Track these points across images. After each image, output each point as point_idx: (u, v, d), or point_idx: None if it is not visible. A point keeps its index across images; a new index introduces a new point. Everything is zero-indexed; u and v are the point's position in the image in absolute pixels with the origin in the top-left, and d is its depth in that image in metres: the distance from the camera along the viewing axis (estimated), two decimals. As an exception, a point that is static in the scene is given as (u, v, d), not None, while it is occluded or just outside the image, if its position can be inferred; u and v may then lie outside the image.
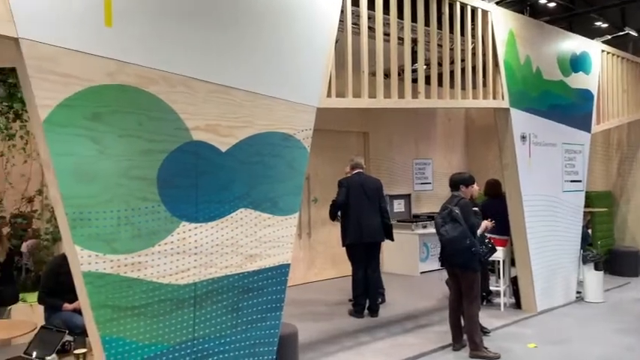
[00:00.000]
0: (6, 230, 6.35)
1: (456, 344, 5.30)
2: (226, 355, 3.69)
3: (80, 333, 4.00)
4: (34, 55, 2.87)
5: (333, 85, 4.48)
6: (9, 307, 5.59)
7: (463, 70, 6.04)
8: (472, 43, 6.17)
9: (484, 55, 6.25)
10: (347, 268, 7.27)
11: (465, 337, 5.30)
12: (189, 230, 3.49)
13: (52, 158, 2.94)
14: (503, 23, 6.43)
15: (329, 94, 4.44)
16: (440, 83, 5.72)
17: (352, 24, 4.78)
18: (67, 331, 3.94)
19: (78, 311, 4.24)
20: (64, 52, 2.98)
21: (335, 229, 7.12)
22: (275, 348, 3.99)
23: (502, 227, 6.47)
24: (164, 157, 3.37)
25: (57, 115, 2.94)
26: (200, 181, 3.55)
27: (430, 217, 9.52)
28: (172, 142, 3.42)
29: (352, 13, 4.77)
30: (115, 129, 3.17)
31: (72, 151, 2.99)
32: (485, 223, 5.26)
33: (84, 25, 3.06)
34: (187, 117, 3.49)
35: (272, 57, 3.97)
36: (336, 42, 4.48)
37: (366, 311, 6.64)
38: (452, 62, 5.93)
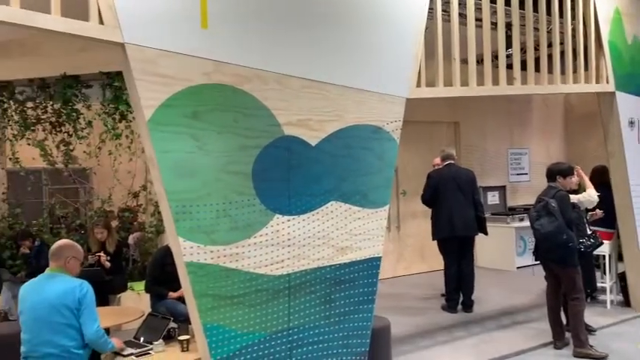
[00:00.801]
0: (115, 223, 6.86)
1: (558, 342, 5.03)
2: (320, 345, 3.75)
3: (183, 320, 4.23)
4: (138, 58, 3.05)
5: (423, 74, 4.39)
6: (119, 295, 6.05)
7: (562, 53, 5.69)
8: (572, 24, 5.79)
9: (585, 36, 5.85)
10: (437, 263, 7.13)
11: (567, 335, 5.02)
12: (283, 223, 3.57)
13: (156, 155, 3.12)
14: (607, 1, 5.98)
15: (419, 84, 4.36)
16: (537, 68, 5.42)
17: (442, 11, 4.65)
18: (172, 318, 4.18)
19: (181, 299, 4.50)
20: (165, 55, 3.14)
21: (425, 222, 7.00)
22: (368, 340, 4.00)
23: (608, 219, 6.04)
24: (258, 153, 3.47)
25: (160, 114, 3.11)
26: (292, 175, 3.62)
27: (527, 209, 9.08)
28: (265, 138, 3.51)
29: (442, 0, 4.64)
30: (213, 126, 3.31)
31: (174, 149, 3.16)
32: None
33: (182, 29, 3.21)
34: (279, 113, 3.57)
35: (362, 49, 3.96)
36: (425, 30, 4.38)
37: (459, 306, 6.48)
38: (549, 45, 5.61)
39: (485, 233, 6.58)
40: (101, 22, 2.97)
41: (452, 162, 6.56)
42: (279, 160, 3.56)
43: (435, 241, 6.65)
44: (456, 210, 6.28)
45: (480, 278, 6.97)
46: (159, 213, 6.70)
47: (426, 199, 6.49)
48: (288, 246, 3.59)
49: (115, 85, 6.48)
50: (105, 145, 6.77)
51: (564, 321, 5.13)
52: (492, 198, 10.02)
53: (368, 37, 4.00)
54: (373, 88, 4.01)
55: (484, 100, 8.76)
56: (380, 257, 4.08)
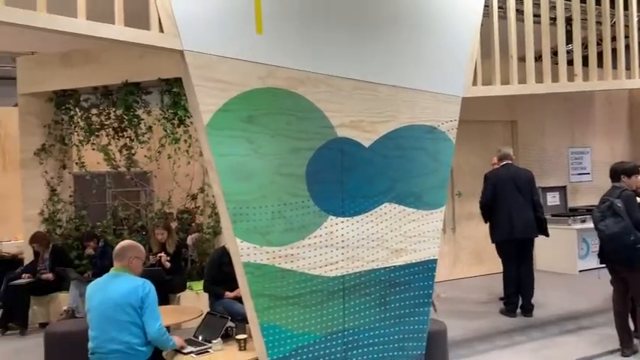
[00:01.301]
0: (174, 225, 7.09)
1: (626, 349, 4.80)
2: (375, 347, 3.74)
3: (240, 320, 4.32)
4: (197, 65, 3.15)
5: (479, 72, 4.30)
6: (178, 295, 6.24)
7: (627, 47, 5.43)
8: (637, 16, 5.51)
9: (653, 28, 5.55)
10: (495, 265, 6.95)
11: (635, 342, 4.78)
12: (336, 224, 3.59)
13: (214, 159, 3.20)
14: (676, -10, 5.65)
15: (474, 83, 4.27)
16: (600, 64, 5.20)
17: (498, 7, 4.54)
18: (230, 318, 4.27)
19: (238, 299, 4.59)
20: (222, 61, 3.22)
21: (481, 224, 6.84)
22: (424, 343, 3.95)
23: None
24: (311, 155, 3.50)
25: (217, 119, 3.19)
26: (345, 176, 3.62)
27: (590, 210, 8.72)
28: (318, 140, 3.53)
29: (497, -4, 4.53)
30: (267, 129, 3.37)
31: (230, 152, 3.24)
32: None
33: (238, 35, 3.28)
34: (332, 115, 3.58)
35: (415, 49, 3.92)
36: (481, 27, 4.29)
37: (518, 310, 6.29)
38: (613, 39, 5.36)
39: (546, 235, 6.36)
40: (161, 30, 3.08)
41: (509, 162, 6.38)
42: (332, 162, 3.57)
43: (493, 244, 6.48)
44: (514, 211, 6.10)
45: (539, 281, 6.74)
46: (216, 214, 6.87)
47: (485, 203, 6.29)
48: (342, 247, 3.60)
49: (173, 91, 6.70)
50: (164, 149, 7.00)
51: (632, 327, 4.88)
52: (552, 199, 9.67)
53: (421, 37, 3.96)
54: (427, 88, 3.96)
55: (543, 97, 8.47)
56: (436, 260, 4.02)
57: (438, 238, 4.03)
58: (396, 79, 3.83)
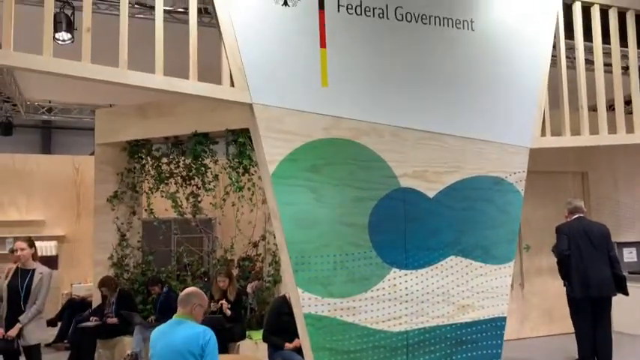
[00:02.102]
0: (235, 272, 7.16)
1: None
2: (440, 409, 3.55)
3: (299, 372, 4.24)
4: (264, 117, 3.25)
5: (547, 123, 4.18)
6: (238, 343, 6.21)
7: None
8: None
9: None
10: (567, 325, 6.51)
11: None
12: (400, 277, 3.50)
13: (278, 207, 3.25)
14: None
15: (543, 134, 4.15)
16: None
17: (566, 57, 4.45)
18: (288, 369, 4.20)
19: (297, 350, 4.52)
20: (288, 113, 3.32)
21: (552, 280, 6.49)
22: (492, 407, 3.71)
23: None
24: (374, 205, 3.48)
25: (282, 168, 3.26)
26: (408, 227, 3.56)
27: (672, 268, 8.10)
28: (381, 190, 3.52)
29: (565, 46, 4.45)
30: (330, 179, 3.39)
31: (294, 201, 3.28)
32: None
33: (304, 88, 3.39)
34: (395, 165, 3.57)
35: (481, 99, 3.88)
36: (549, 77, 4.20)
37: (595, 375, 5.83)
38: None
39: (625, 293, 5.93)
40: (232, 84, 3.22)
41: (581, 215, 6.08)
42: (395, 212, 3.53)
43: (567, 301, 6.10)
44: (590, 268, 5.74)
45: (617, 344, 6.24)
46: (276, 262, 6.90)
47: (564, 256, 5.90)
48: (406, 302, 3.50)
49: (239, 141, 6.91)
50: (229, 196, 7.17)
51: None
52: (629, 255, 9.06)
53: (487, 87, 3.92)
54: (493, 138, 3.89)
55: (615, 148, 8.10)
56: (505, 317, 3.82)
57: (506, 294, 3.85)
58: (461, 129, 3.79)
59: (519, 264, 8.30)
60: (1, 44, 2.83)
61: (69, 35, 4.77)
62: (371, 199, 3.47)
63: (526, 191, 4.05)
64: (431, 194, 3.65)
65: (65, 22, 4.68)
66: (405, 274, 3.52)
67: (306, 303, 3.21)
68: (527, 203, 7.35)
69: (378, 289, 3.42)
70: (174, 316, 3.70)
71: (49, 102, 8.84)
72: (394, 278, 3.48)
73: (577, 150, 7.93)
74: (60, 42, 4.76)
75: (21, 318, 4.66)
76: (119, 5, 3.13)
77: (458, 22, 3.87)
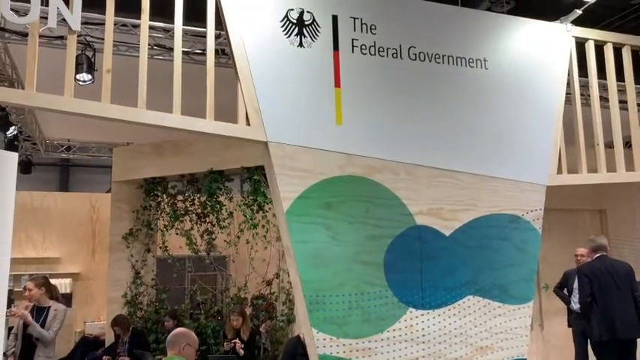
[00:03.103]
0: (248, 311, 7.08)
1: None
2: None
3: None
4: (279, 154, 3.28)
5: (564, 160, 4.15)
6: (250, 384, 6.09)
7: None
8: None
9: None
10: (592, 368, 6.31)
11: None
12: (416, 317, 3.44)
13: (293, 245, 3.23)
14: None
15: (559, 171, 4.12)
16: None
17: (580, 94, 4.45)
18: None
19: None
20: (303, 150, 3.34)
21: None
22: None
23: None
24: (389, 242, 3.46)
25: (297, 206, 3.26)
26: (425, 265, 3.52)
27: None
28: (397, 228, 3.49)
29: (579, 83, 4.45)
30: (345, 216, 3.38)
31: (309, 238, 3.26)
32: None
33: (318, 126, 3.42)
34: (410, 202, 3.55)
35: (496, 137, 3.88)
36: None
37: (621, 422, 5.58)
38: None
39: (652, 335, 5.73)
40: (248, 123, 3.26)
41: (604, 253, 5.94)
42: (411, 251, 3.50)
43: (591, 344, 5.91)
44: (615, 309, 5.56)
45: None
46: (290, 301, 6.81)
47: (587, 300, 5.73)
48: (423, 342, 3.42)
49: (254, 179, 6.95)
50: (243, 234, 7.16)
51: None
52: (653, 295, 8.82)
53: (503, 125, 3.92)
54: (509, 176, 3.87)
55: (633, 185, 8.00)
56: (525, 359, 3.71)
57: (526, 335, 3.75)
58: (476, 167, 3.78)
59: (538, 304, 8.11)
60: (25, 85, 2.91)
61: (89, 76, 4.90)
62: (386, 236, 3.45)
63: (543, 229, 4.00)
64: (447, 232, 3.62)
65: (86, 63, 4.81)
66: (422, 314, 3.45)
67: (320, 344, 3.16)
68: (545, 241, 7.24)
69: (394, 330, 3.35)
70: (164, 359, 3.60)
71: (68, 140, 9.01)
72: (410, 318, 3.41)
73: (595, 187, 7.84)
74: (80, 83, 4.89)
75: (30, 328, 4.62)
76: (139, 47, 3.22)
77: (471, 60, 3.91)
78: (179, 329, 3.78)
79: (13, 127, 7.18)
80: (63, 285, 9.42)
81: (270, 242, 7.04)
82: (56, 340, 4.90)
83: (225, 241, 7.33)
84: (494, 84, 3.96)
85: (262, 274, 7.32)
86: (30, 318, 4.65)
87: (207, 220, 7.34)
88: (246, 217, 7.03)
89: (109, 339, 7.11)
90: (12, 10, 2.93)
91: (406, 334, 3.38)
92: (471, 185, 3.74)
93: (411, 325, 3.40)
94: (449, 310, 3.54)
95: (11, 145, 7.36)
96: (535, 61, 4.13)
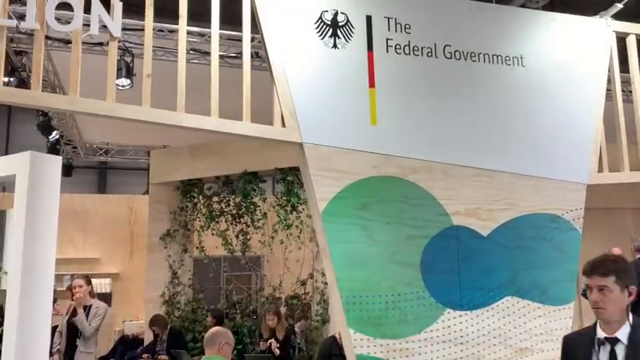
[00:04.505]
0: (283, 310, 7.13)
1: None
2: None
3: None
4: (314, 156, 3.30)
5: (605, 159, 4.05)
6: (286, 384, 6.13)
7: None
8: None
9: None
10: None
11: None
12: (454, 318, 3.41)
13: (329, 245, 3.25)
14: None
15: (600, 169, 4.02)
16: None
17: (621, 91, 4.32)
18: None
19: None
20: (338, 151, 3.36)
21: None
22: None
23: None
24: (426, 243, 3.43)
25: (332, 206, 3.27)
26: (462, 266, 3.48)
27: None
28: (433, 228, 3.47)
29: (621, 80, 4.33)
30: (381, 217, 3.38)
31: (345, 239, 3.27)
32: None
33: (353, 127, 3.43)
34: (447, 202, 3.52)
35: (534, 135, 3.82)
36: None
37: None
38: None
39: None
40: (283, 125, 3.29)
41: (646, 253, 5.78)
42: (448, 251, 3.47)
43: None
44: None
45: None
46: (325, 301, 6.83)
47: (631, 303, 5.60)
48: (461, 344, 3.39)
49: (287, 180, 7.00)
50: (277, 234, 7.22)
51: None
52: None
53: (541, 122, 3.85)
54: (548, 175, 3.79)
55: (678, 183, 7.74)
56: (566, 361, 3.63)
57: (567, 337, 3.66)
58: (514, 166, 3.72)
59: (578, 305, 7.91)
60: (68, 91, 3.00)
61: (128, 81, 5.02)
62: (423, 237, 3.43)
63: (584, 229, 3.90)
64: (485, 232, 3.57)
65: (125, 68, 4.93)
66: (460, 315, 3.42)
67: (358, 344, 3.16)
68: (585, 241, 7.07)
69: (432, 330, 3.33)
70: (203, 358, 3.64)
71: (107, 144, 9.24)
72: (448, 319, 3.38)
73: (636, 186, 7.60)
74: (120, 87, 5.01)
75: (76, 318, 4.78)
76: (175, 52, 3.29)
77: (507, 58, 3.86)
78: (217, 328, 3.84)
79: (55, 132, 7.40)
80: (102, 285, 9.67)
81: (303, 243, 7.08)
82: (97, 338, 5.05)
83: (259, 241, 7.41)
84: (531, 82, 3.89)
85: (296, 274, 7.36)
86: (81, 308, 4.83)
87: (242, 221, 7.43)
88: (280, 217, 7.09)
89: (148, 338, 7.27)
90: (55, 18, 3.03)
91: (444, 334, 3.35)
92: (508, 185, 3.68)
93: (449, 326, 3.37)
94: (487, 310, 3.50)
95: (53, 149, 7.59)
96: (574, 57, 4.04)
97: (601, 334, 2.13)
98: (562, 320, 3.64)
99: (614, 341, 2.09)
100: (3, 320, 4.37)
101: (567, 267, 3.74)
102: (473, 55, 3.77)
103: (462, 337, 3.39)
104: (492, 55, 3.82)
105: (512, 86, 3.84)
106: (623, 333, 2.09)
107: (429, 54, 3.66)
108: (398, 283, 3.33)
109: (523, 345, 3.53)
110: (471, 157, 3.63)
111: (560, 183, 3.82)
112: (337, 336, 4.74)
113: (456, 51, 3.72)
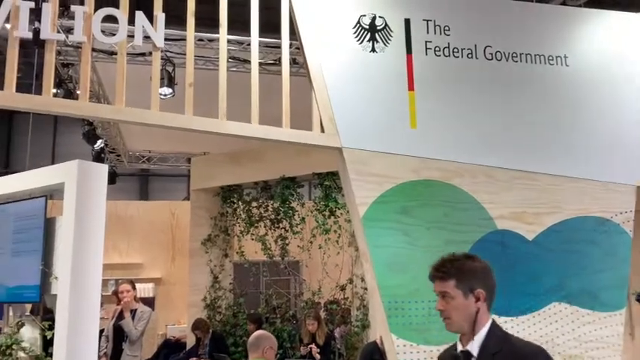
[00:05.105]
0: (322, 315, 7.12)
1: None
2: None
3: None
4: (353, 160, 3.29)
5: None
6: (328, 389, 6.11)
7: None
8: None
9: None
10: (692, 380, 5.85)
11: None
12: (500, 324, 3.32)
13: (370, 250, 3.23)
14: None
15: (651, 170, 3.87)
16: None
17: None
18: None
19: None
20: (377, 156, 3.34)
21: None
22: None
23: None
24: (469, 247, 3.37)
25: (373, 211, 3.26)
26: (507, 271, 3.40)
27: None
28: (477, 232, 3.41)
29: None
30: (422, 221, 3.34)
31: (386, 243, 3.25)
32: None
33: (392, 131, 3.41)
34: (491, 206, 3.46)
35: (580, 136, 3.71)
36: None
37: None
38: None
39: None
40: (322, 130, 3.30)
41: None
42: (492, 256, 3.32)
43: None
44: None
45: None
46: (365, 307, 6.80)
47: None
48: (507, 350, 3.30)
49: (325, 185, 7.00)
50: (315, 239, 7.23)
51: None
52: None
53: (586, 123, 3.74)
54: (596, 177, 3.68)
55: None
56: (618, 370, 3.51)
57: (619, 344, 3.55)
58: (559, 168, 3.63)
59: (628, 311, 7.63)
60: (115, 100, 3.09)
61: (170, 90, 5.12)
62: (466, 241, 3.37)
63: (634, 232, 3.76)
64: (530, 236, 3.49)
65: (167, 77, 5.04)
66: (506, 322, 3.34)
67: (400, 350, 3.13)
68: (635, 245, 6.81)
69: (476, 337, 3.26)
70: None
71: (149, 152, 9.46)
72: (493, 325, 3.30)
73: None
74: (162, 96, 5.12)
75: (124, 322, 4.90)
76: (214, 60, 3.34)
77: (550, 58, 3.77)
78: (261, 332, 3.86)
79: (99, 141, 7.63)
80: (146, 289, 9.88)
81: (342, 247, 7.06)
82: (142, 341, 5.16)
83: (298, 246, 7.43)
84: (576, 81, 3.78)
85: (335, 279, 7.35)
86: (129, 312, 4.95)
87: (281, 226, 7.47)
88: (318, 222, 7.10)
89: (190, 342, 7.38)
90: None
91: (489, 341, 3.27)
92: (554, 187, 3.59)
93: (494, 333, 3.29)
94: (534, 317, 3.41)
95: (98, 158, 7.81)
96: (619, 54, 3.92)
97: (459, 347, 1.89)
98: (613, 327, 3.52)
99: (467, 355, 1.83)
100: (54, 324, 4.53)
101: (618, 272, 3.62)
102: (514, 55, 3.70)
103: (507, 343, 3.30)
104: (535, 55, 3.74)
105: (556, 86, 3.75)
106: (474, 345, 1.83)
107: (469, 55, 3.61)
108: (441, 288, 3.27)
109: (572, 352, 3.43)
110: (514, 159, 3.56)
111: (608, 185, 3.69)
112: (378, 341, 4.70)
113: (497, 52, 3.66)
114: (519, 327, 3.35)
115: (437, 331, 3.20)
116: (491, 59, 3.64)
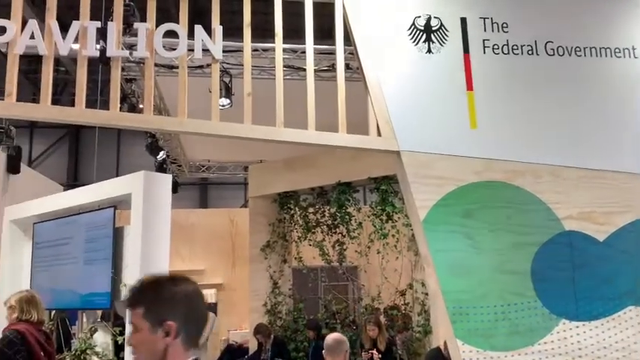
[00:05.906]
0: (383, 321, 7.06)
1: None
2: None
3: None
4: (412, 163, 3.25)
5: None
6: (389, 395, 6.05)
7: None
8: None
9: None
10: None
11: None
12: (570, 329, 3.19)
13: (431, 254, 3.17)
14: None
15: None
16: None
17: None
18: None
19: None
20: (437, 158, 3.28)
21: None
22: None
23: None
24: (536, 250, 3.26)
25: (434, 214, 3.20)
26: (577, 274, 3.26)
27: None
28: (544, 234, 3.28)
29: None
30: (485, 224, 3.25)
31: (448, 247, 3.18)
32: None
33: (451, 132, 3.34)
34: (557, 206, 3.33)
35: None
36: None
37: None
38: None
39: None
40: (379, 133, 3.28)
41: None
42: (561, 258, 3.26)
43: None
44: None
45: None
46: (426, 312, 6.69)
47: None
48: (579, 357, 3.16)
49: (381, 189, 6.97)
50: (373, 244, 7.20)
51: None
52: None
53: (660, 117, 3.54)
54: (671, 173, 3.47)
55: None
56: None
57: None
58: (630, 165, 3.44)
59: None
60: (177, 112, 3.19)
61: (228, 100, 5.26)
62: (532, 244, 3.25)
63: None
64: (601, 237, 3.32)
65: (225, 88, 5.18)
66: (577, 327, 3.19)
67: (466, 356, 3.05)
68: None
69: (546, 343, 3.14)
70: None
71: (208, 161, 9.74)
72: (564, 330, 3.17)
73: None
74: (220, 107, 5.26)
75: None
76: (268, 70, 3.39)
77: (617, 50, 3.59)
78: (339, 335, 3.86)
79: (162, 152, 7.92)
80: (208, 295, 10.13)
81: (401, 252, 6.99)
82: (207, 346, 5.29)
83: (355, 251, 7.43)
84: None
85: (395, 284, 7.28)
86: None
87: (338, 231, 7.49)
88: (375, 227, 7.06)
89: (253, 347, 7.50)
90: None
91: (559, 347, 3.15)
92: (626, 185, 3.41)
93: (565, 338, 3.16)
94: (607, 322, 3.24)
95: (160, 168, 8.11)
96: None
97: None
98: (697, 333, 3.30)
99: None
100: (124, 330, 4.71)
101: (700, 274, 3.39)
102: (578, 49, 3.55)
103: (579, 349, 3.16)
104: (600, 48, 3.58)
105: (624, 79, 3.57)
106: None
107: (530, 52, 3.50)
108: (507, 292, 3.18)
109: (651, 360, 3.24)
110: (581, 157, 3.41)
111: (687, 181, 3.48)
112: (442, 347, 4.62)
113: (558, 47, 3.52)
114: (592, 332, 3.19)
115: (504, 336, 3.11)
116: (553, 55, 3.51)
